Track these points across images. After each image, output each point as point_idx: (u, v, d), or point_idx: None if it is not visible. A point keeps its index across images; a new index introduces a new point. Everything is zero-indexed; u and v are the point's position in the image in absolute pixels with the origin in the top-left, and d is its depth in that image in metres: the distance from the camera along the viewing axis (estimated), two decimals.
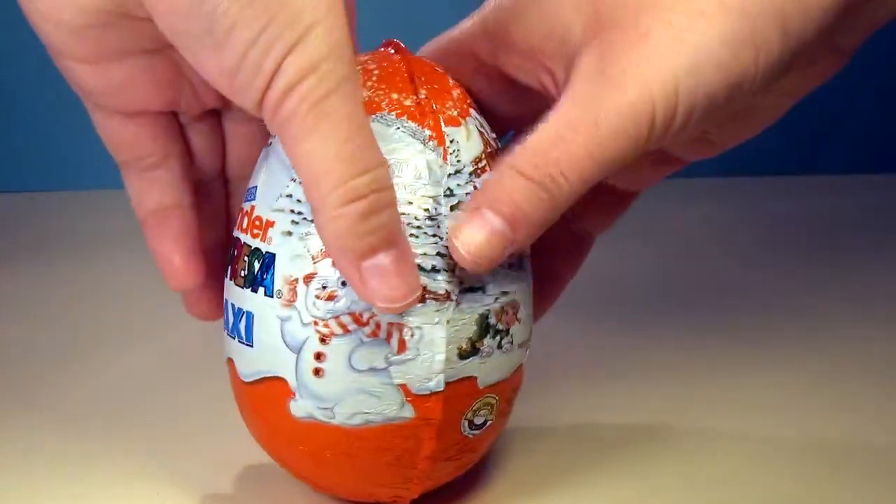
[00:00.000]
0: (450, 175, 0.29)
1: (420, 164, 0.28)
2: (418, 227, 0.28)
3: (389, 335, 0.28)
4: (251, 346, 0.29)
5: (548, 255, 0.35)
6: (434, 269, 0.28)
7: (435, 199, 0.28)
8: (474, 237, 0.28)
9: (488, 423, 0.30)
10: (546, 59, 0.30)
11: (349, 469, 0.30)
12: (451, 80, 0.31)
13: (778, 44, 0.28)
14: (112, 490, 0.34)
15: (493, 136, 0.31)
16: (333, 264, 0.28)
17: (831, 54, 0.31)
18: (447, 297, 0.28)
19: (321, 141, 0.25)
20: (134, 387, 0.42)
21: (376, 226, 0.26)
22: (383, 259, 0.27)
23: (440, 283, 0.28)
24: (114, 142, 0.31)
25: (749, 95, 0.29)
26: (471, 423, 0.30)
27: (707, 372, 0.43)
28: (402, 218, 0.28)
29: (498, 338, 0.30)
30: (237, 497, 0.34)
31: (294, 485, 0.33)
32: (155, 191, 0.31)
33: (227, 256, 0.31)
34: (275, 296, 0.28)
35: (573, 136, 0.28)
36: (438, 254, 0.28)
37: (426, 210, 0.28)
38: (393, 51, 0.31)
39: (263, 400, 0.29)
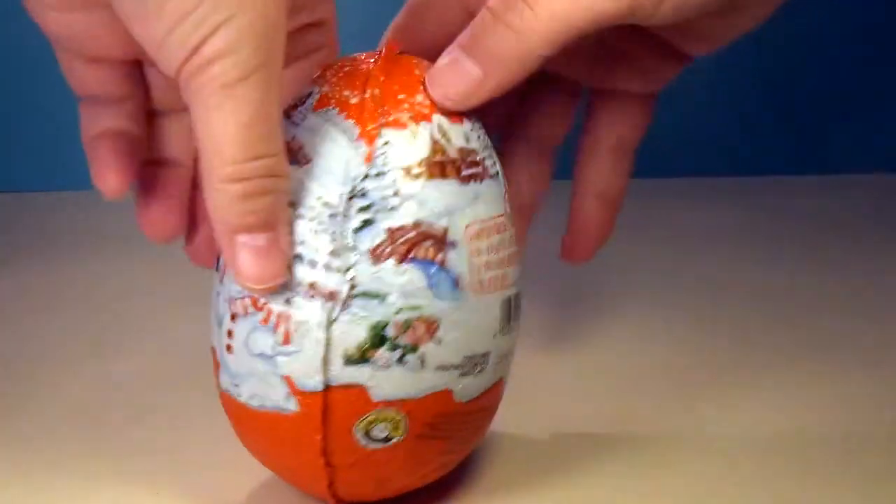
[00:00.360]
0: (367, 176, 0.28)
1: (336, 160, 0.28)
2: (319, 222, 0.28)
3: (277, 325, 0.28)
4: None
5: (511, 169, 0.36)
6: (326, 267, 0.28)
7: (341, 196, 0.28)
8: (445, 75, 0.29)
9: (393, 439, 0.29)
10: None
11: (264, 450, 0.31)
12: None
13: None
14: (111, 490, 0.34)
15: (463, 144, 0.30)
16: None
17: None
18: (332, 296, 0.28)
19: (221, 120, 0.26)
20: (133, 386, 0.42)
21: (254, 208, 0.27)
22: (254, 240, 0.28)
23: (329, 281, 0.28)
24: (76, 80, 0.32)
25: None
26: (367, 434, 0.29)
27: (706, 372, 0.43)
28: (308, 209, 0.28)
29: (399, 352, 0.28)
30: (237, 497, 0.34)
31: (293, 486, 0.33)
32: (108, 118, 0.32)
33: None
34: (217, 271, 0.30)
35: None
36: (332, 252, 0.28)
37: (328, 205, 0.28)
38: (381, 52, 0.31)
39: (214, 369, 0.31)
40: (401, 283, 0.28)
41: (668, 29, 0.33)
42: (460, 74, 0.30)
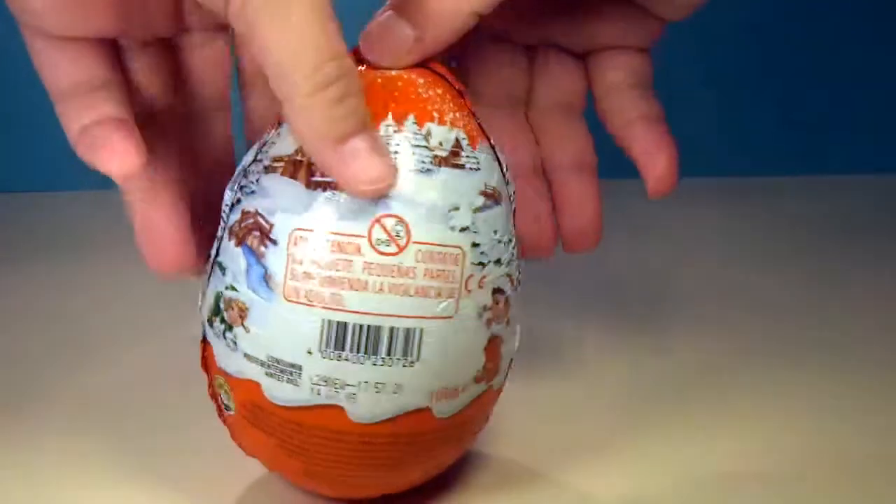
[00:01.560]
0: (255, 160, 0.30)
1: (258, 144, 0.30)
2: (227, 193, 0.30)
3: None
4: None
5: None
6: (215, 234, 0.31)
7: (238, 174, 0.30)
8: (379, 37, 0.30)
9: (229, 410, 0.31)
10: None
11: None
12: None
13: None
14: (111, 491, 0.34)
15: None
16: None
17: None
18: (207, 259, 0.31)
19: (290, 28, 0.26)
20: (133, 387, 0.42)
21: (349, 110, 0.27)
22: (360, 143, 0.27)
23: (212, 247, 0.31)
24: (51, 69, 0.30)
25: None
26: (218, 397, 0.32)
27: (705, 372, 0.43)
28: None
29: (223, 326, 0.30)
30: (237, 497, 0.34)
31: (294, 486, 0.33)
32: (97, 108, 0.30)
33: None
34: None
35: None
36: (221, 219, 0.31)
37: (233, 181, 0.31)
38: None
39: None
40: (234, 262, 0.29)
41: None
42: (394, 36, 0.30)
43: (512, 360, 0.32)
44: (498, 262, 0.29)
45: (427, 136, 0.29)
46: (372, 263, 0.28)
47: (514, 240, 0.31)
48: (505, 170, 0.31)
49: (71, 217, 0.66)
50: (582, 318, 0.49)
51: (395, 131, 0.28)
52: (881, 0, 0.72)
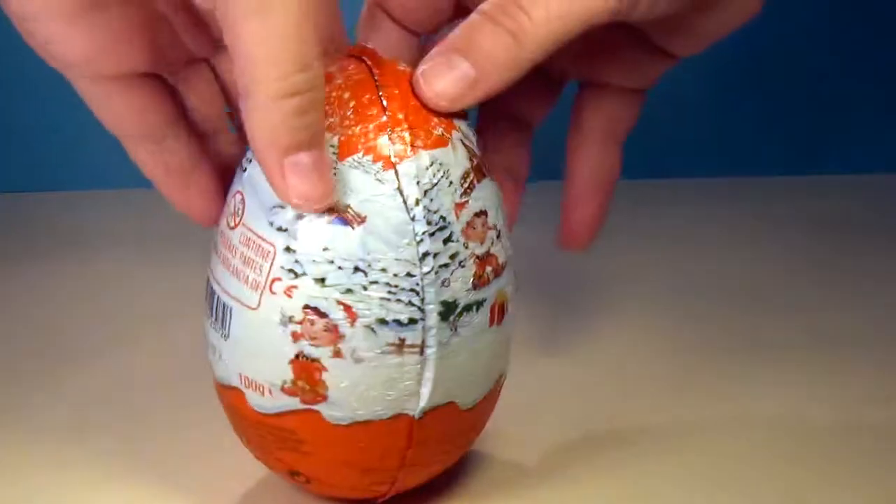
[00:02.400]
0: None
1: None
2: None
3: None
4: None
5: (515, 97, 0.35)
6: None
7: None
8: (441, 75, 0.29)
9: None
10: None
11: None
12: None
13: None
14: (111, 491, 0.34)
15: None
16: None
17: None
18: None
19: (266, 31, 0.25)
20: (133, 386, 0.42)
21: (307, 123, 0.26)
22: (305, 158, 0.27)
23: None
24: (114, 116, 0.31)
25: None
26: None
27: (705, 372, 0.43)
28: None
29: None
30: (237, 496, 0.34)
31: (295, 486, 0.33)
32: (171, 161, 0.32)
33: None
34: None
35: None
36: None
37: None
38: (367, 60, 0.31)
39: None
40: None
41: (653, 25, 0.33)
42: (456, 76, 0.29)
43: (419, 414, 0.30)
44: (320, 280, 0.28)
45: None
46: (223, 232, 0.30)
47: (379, 281, 0.28)
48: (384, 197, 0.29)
49: (71, 217, 0.65)
50: (581, 318, 0.49)
51: None
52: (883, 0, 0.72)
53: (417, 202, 0.28)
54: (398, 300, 0.28)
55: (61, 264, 0.57)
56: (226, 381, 0.31)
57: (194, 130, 0.33)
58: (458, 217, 0.29)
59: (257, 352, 0.29)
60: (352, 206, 0.28)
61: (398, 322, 0.28)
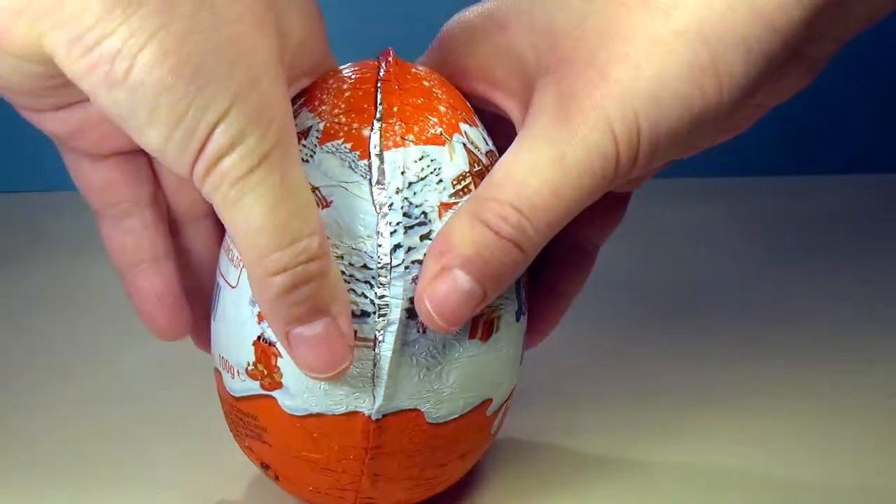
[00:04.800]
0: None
1: None
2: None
3: None
4: None
5: (550, 270, 0.34)
6: None
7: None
8: (447, 301, 0.27)
9: None
10: (503, 94, 0.30)
11: None
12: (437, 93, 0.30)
13: (742, 66, 0.27)
14: (111, 490, 0.34)
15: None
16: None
17: (802, 65, 0.30)
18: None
19: (245, 214, 0.25)
20: (133, 386, 0.42)
21: (302, 297, 0.26)
22: (307, 331, 0.27)
23: None
24: (85, 186, 0.31)
25: (715, 121, 0.28)
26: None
27: (706, 374, 0.43)
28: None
29: None
30: (237, 496, 0.34)
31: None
32: (128, 241, 0.31)
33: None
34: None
35: (538, 181, 0.27)
36: None
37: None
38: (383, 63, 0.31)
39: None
40: None
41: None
42: (461, 295, 0.28)
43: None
44: None
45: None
46: None
47: (356, 265, 0.28)
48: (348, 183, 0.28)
49: (71, 217, 0.65)
50: (580, 317, 0.49)
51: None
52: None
53: (398, 191, 0.28)
54: (351, 290, 0.28)
55: (61, 264, 0.57)
56: (215, 363, 0.31)
57: (167, 218, 0.32)
58: (441, 216, 0.28)
59: (232, 331, 0.29)
60: (320, 188, 0.28)
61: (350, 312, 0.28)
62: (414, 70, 0.31)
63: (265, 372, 0.29)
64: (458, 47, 0.32)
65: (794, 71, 0.30)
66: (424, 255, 0.28)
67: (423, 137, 0.29)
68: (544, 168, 0.27)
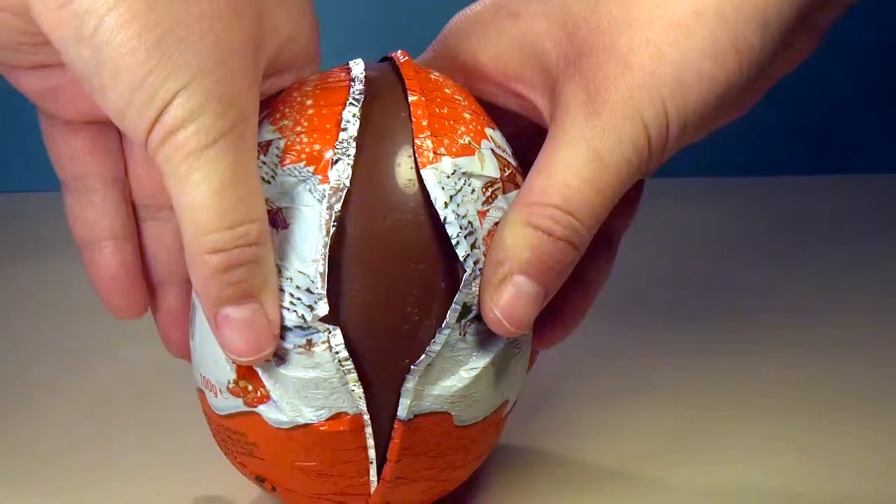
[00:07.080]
0: None
1: None
2: None
3: None
4: None
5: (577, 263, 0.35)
6: None
7: None
8: (514, 305, 0.28)
9: None
10: (524, 85, 0.30)
11: None
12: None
13: (759, 41, 0.28)
14: (111, 489, 0.34)
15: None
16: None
17: (808, 33, 0.31)
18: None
19: (191, 189, 0.26)
20: (133, 385, 0.42)
21: (234, 279, 0.26)
22: (234, 313, 0.27)
23: None
24: (55, 154, 0.31)
25: (736, 98, 0.28)
26: None
27: (706, 376, 0.43)
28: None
29: None
30: (237, 496, 0.34)
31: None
32: (89, 216, 0.32)
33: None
34: None
35: (578, 180, 0.28)
36: None
37: None
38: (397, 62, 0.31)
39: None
40: None
41: None
42: (525, 298, 0.28)
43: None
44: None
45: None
46: None
47: (285, 290, 0.28)
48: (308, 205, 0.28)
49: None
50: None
51: None
52: None
53: (446, 205, 0.28)
54: (294, 311, 0.28)
55: (61, 264, 0.57)
56: (197, 383, 0.31)
57: (131, 203, 0.32)
58: (482, 224, 0.29)
59: (211, 350, 0.29)
60: (282, 210, 0.28)
61: (300, 328, 0.28)
62: (433, 77, 0.30)
63: (249, 387, 0.29)
64: (467, 41, 0.32)
65: (801, 39, 0.31)
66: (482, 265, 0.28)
67: (454, 150, 0.29)
68: (582, 167, 0.28)
